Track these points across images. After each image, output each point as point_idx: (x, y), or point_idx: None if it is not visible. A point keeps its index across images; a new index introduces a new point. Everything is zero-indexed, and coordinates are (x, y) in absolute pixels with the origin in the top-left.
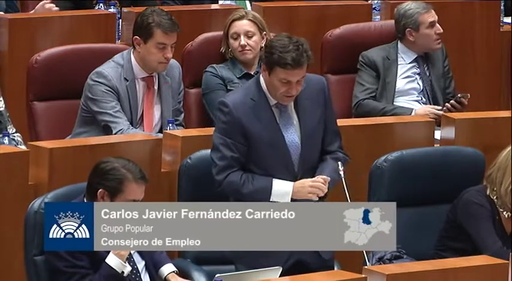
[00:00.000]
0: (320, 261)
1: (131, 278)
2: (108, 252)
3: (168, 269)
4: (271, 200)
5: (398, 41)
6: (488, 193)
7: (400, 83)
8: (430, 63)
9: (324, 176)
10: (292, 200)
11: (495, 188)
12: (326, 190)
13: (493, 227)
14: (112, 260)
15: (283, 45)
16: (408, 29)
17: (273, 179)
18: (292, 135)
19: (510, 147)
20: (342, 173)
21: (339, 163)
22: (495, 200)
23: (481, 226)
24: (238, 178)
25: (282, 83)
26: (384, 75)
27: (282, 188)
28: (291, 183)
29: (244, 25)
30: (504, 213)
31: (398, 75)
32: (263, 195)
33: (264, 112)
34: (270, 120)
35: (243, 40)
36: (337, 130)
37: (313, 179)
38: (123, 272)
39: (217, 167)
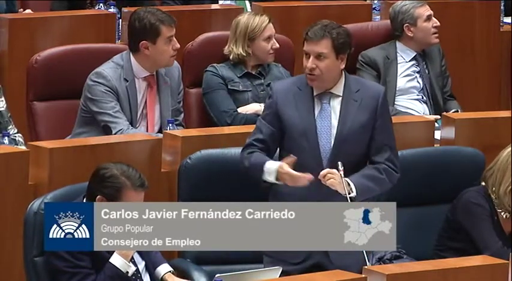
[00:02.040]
0: (338, 266)
1: (132, 279)
2: (110, 252)
3: (164, 269)
4: (263, 177)
5: (396, 41)
6: (488, 193)
7: (401, 82)
8: (428, 61)
9: (337, 175)
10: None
11: (494, 189)
12: (301, 183)
13: (493, 227)
14: (117, 260)
15: (313, 24)
16: (406, 25)
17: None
18: (326, 128)
19: (510, 147)
20: (341, 173)
21: (339, 162)
22: (494, 201)
23: (481, 226)
24: (247, 152)
25: (305, 57)
26: (385, 75)
27: (271, 167)
28: (278, 163)
29: (273, 28)
30: (502, 213)
31: (398, 74)
32: (258, 170)
33: (304, 101)
34: (307, 109)
35: (276, 43)
36: (389, 143)
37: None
38: (127, 272)
39: (244, 144)
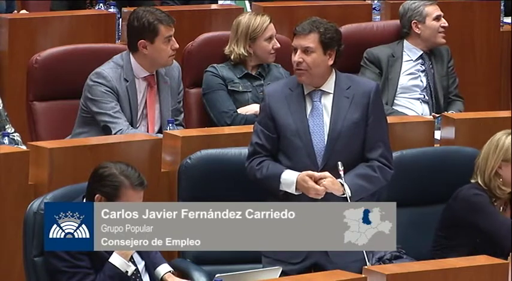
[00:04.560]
0: (337, 265)
1: (132, 279)
2: (110, 252)
3: (164, 269)
4: (280, 188)
5: (404, 39)
6: (481, 187)
7: (403, 80)
8: (434, 61)
9: (331, 179)
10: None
11: (482, 179)
12: (322, 195)
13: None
14: (116, 260)
15: (303, 20)
16: (414, 21)
17: (285, 168)
18: (319, 127)
19: (493, 137)
20: (341, 173)
21: (339, 162)
22: (488, 193)
23: (487, 213)
24: (256, 163)
25: (293, 53)
26: (387, 72)
27: (289, 177)
28: (296, 173)
29: (274, 28)
30: (499, 207)
31: (401, 72)
32: (273, 182)
33: (296, 101)
34: (299, 109)
35: (277, 43)
36: (382, 138)
37: (322, 175)
38: (127, 271)
39: (247, 153)
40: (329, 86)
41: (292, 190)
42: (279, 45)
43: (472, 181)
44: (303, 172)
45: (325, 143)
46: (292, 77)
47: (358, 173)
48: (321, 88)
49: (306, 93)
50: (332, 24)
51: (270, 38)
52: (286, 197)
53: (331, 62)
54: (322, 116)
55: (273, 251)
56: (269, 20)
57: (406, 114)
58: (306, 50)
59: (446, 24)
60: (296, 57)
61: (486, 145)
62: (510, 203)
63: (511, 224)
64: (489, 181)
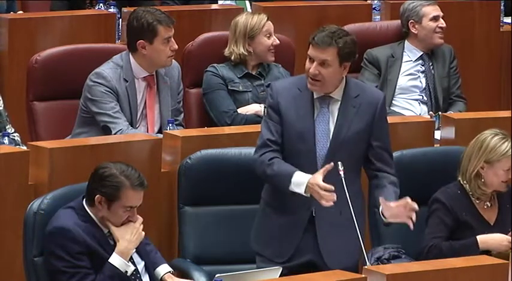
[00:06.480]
0: (330, 264)
1: (131, 279)
2: (109, 252)
3: (164, 269)
4: (290, 187)
5: (406, 40)
6: (462, 187)
7: (402, 80)
8: (435, 61)
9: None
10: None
11: (465, 179)
12: (331, 203)
13: (447, 222)
14: (116, 260)
15: (321, 28)
16: (411, 21)
17: (296, 169)
18: (324, 133)
19: (479, 135)
20: (341, 173)
21: (339, 162)
22: (469, 192)
23: (429, 224)
24: (268, 158)
25: (309, 61)
26: (386, 73)
27: (300, 179)
28: (308, 176)
29: (271, 25)
30: (485, 203)
31: (401, 72)
32: (284, 180)
33: (304, 103)
34: (306, 112)
35: (277, 40)
36: (388, 148)
37: (325, 185)
38: (126, 271)
39: (256, 145)
40: (338, 93)
41: (301, 190)
42: (278, 41)
43: (459, 178)
44: (314, 177)
45: (327, 148)
46: (300, 77)
47: (393, 193)
48: (330, 95)
49: (315, 97)
50: (351, 37)
51: (269, 35)
52: (290, 196)
53: (345, 73)
54: (328, 123)
55: (265, 250)
56: (266, 18)
57: (404, 115)
58: (323, 63)
59: (444, 25)
60: (312, 69)
61: (471, 143)
62: (498, 199)
63: (433, 243)
64: (470, 180)
